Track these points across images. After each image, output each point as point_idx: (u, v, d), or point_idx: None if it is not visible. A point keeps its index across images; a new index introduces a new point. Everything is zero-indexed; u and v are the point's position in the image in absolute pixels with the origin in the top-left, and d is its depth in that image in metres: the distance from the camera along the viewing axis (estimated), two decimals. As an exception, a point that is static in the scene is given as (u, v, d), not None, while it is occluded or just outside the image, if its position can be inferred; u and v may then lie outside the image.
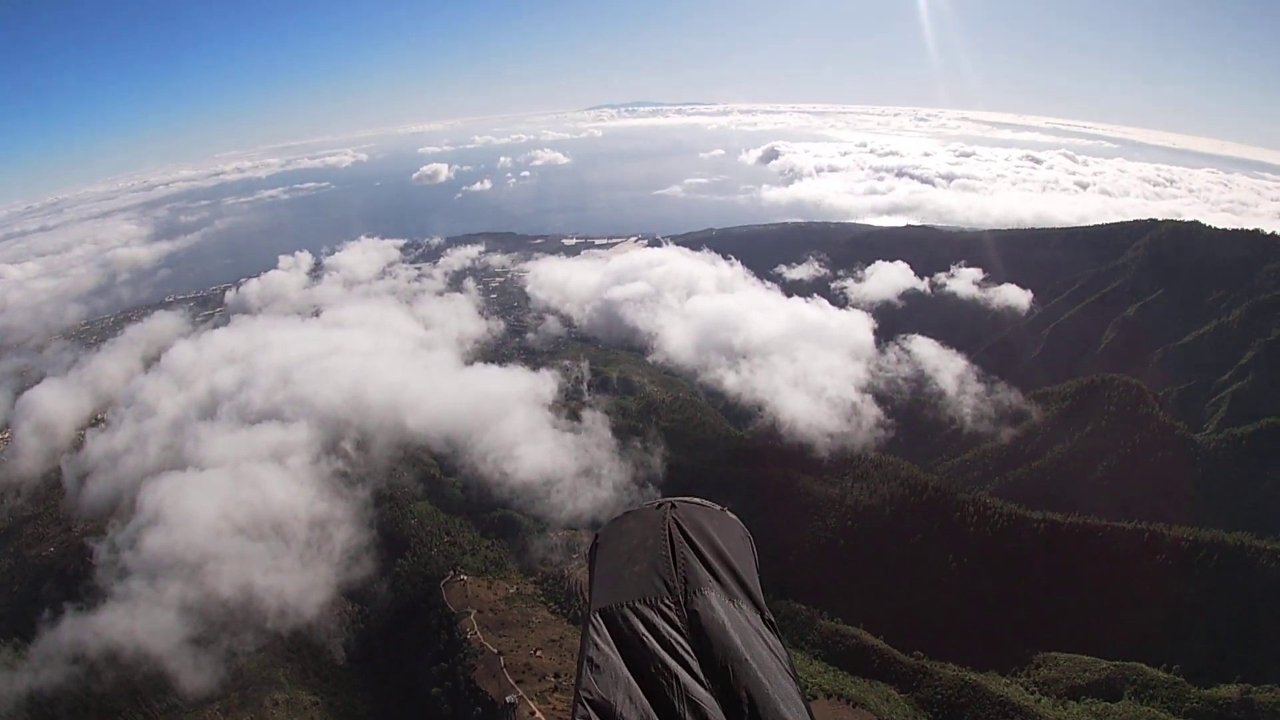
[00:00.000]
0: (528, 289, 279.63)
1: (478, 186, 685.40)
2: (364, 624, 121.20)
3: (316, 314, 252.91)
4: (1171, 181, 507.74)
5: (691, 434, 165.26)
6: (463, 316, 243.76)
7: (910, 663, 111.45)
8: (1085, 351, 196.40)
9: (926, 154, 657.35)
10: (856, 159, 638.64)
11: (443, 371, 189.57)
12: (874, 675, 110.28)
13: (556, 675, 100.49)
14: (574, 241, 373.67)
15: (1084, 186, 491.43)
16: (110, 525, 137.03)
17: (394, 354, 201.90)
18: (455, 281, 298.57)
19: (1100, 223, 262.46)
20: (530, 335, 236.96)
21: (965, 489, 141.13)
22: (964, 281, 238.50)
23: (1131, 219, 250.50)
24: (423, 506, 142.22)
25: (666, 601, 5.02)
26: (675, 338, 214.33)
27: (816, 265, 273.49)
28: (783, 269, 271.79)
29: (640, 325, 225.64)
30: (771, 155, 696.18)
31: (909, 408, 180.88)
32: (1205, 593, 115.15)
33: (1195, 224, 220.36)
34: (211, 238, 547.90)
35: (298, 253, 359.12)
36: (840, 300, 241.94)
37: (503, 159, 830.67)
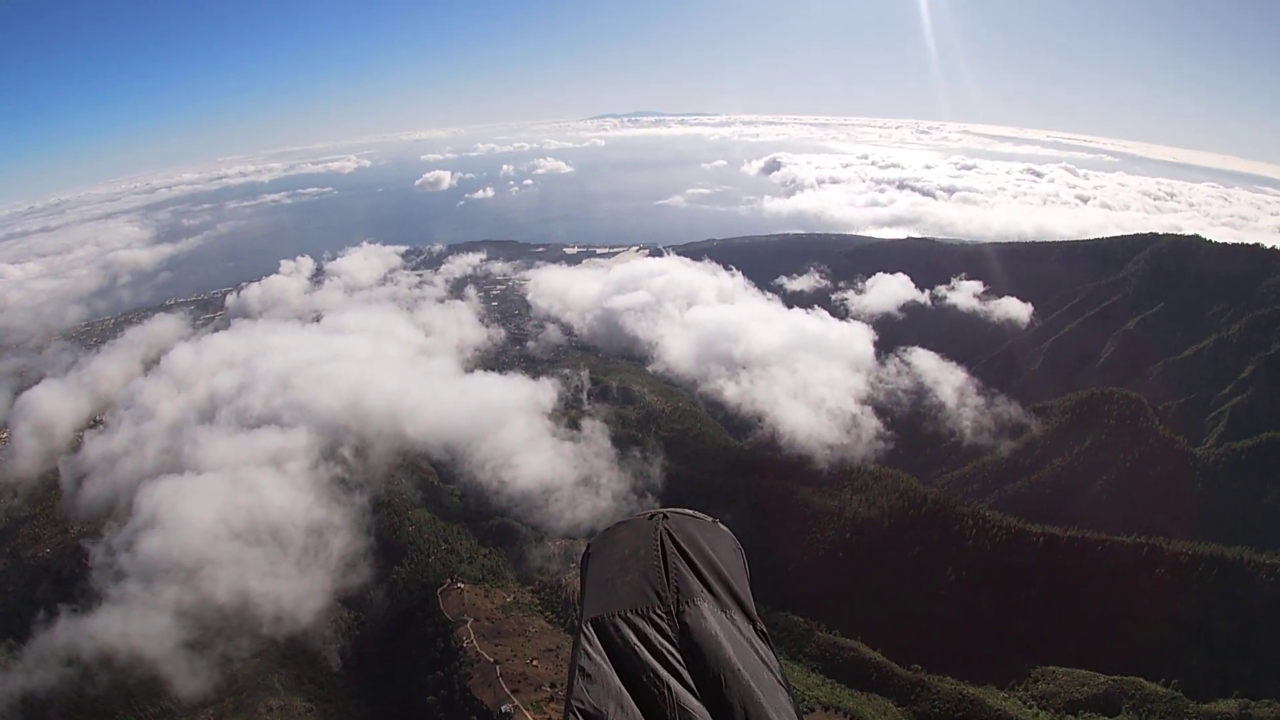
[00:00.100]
0: (529, 297, 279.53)
1: (480, 194, 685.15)
2: (360, 631, 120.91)
3: (317, 319, 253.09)
4: (1172, 195, 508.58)
5: (691, 444, 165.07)
6: (463, 324, 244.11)
7: (908, 676, 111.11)
8: (1085, 365, 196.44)
9: (928, 166, 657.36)
10: (858, 171, 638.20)
11: (443, 379, 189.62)
12: (872, 688, 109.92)
13: (553, 685, 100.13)
14: (575, 250, 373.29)
15: (1085, 200, 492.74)
16: (107, 528, 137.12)
17: (394, 360, 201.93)
18: (456, 289, 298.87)
19: (1101, 236, 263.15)
20: (531, 343, 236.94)
21: (965, 502, 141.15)
22: (964, 294, 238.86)
23: (1132, 233, 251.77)
24: (421, 514, 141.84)
25: (658, 611, 5.00)
26: (675, 348, 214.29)
27: (817, 276, 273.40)
28: (784, 280, 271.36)
29: (641, 335, 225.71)
30: (773, 166, 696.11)
31: (909, 420, 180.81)
32: (1204, 607, 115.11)
33: (1196, 238, 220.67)
34: (213, 241, 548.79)
35: (299, 258, 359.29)
36: (841, 312, 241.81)
37: (505, 167, 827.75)
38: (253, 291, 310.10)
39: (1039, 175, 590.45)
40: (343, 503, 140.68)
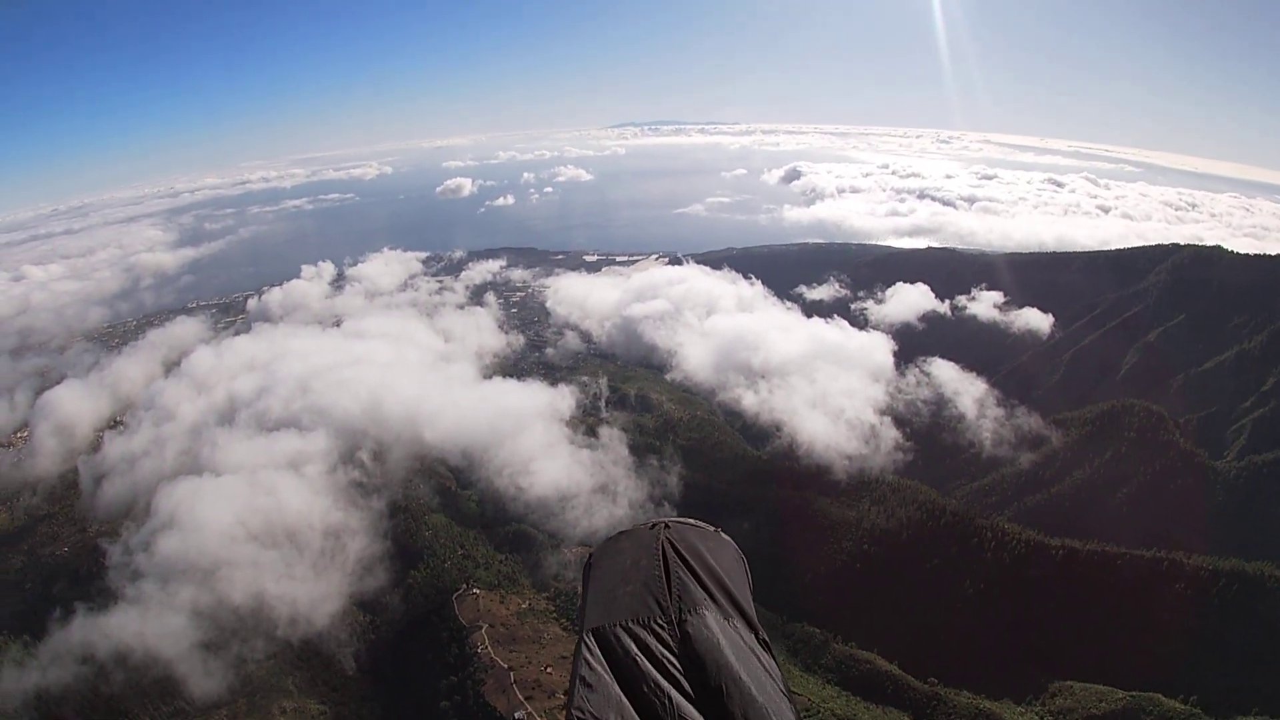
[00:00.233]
0: (548, 304, 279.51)
1: (501, 201, 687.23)
2: (375, 635, 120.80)
3: (337, 324, 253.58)
4: (1194, 206, 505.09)
5: (709, 453, 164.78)
6: (483, 330, 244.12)
7: (924, 689, 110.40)
8: (1106, 376, 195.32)
9: (948, 176, 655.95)
10: (878, 180, 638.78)
11: (461, 384, 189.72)
12: (887, 701, 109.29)
13: (566, 693, 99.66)
14: (595, 258, 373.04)
15: (1106, 210, 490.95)
16: (125, 527, 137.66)
17: (413, 366, 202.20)
18: (476, 295, 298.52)
19: (1122, 247, 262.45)
20: (549, 350, 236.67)
21: (984, 514, 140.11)
22: (985, 304, 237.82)
23: (1153, 243, 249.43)
24: (437, 519, 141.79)
25: (659, 621, 5.02)
26: (694, 356, 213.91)
27: (837, 286, 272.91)
28: (803, 289, 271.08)
29: (659, 343, 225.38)
30: (794, 175, 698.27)
31: (928, 431, 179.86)
32: (1224, 622, 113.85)
33: (1217, 249, 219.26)
34: (235, 245, 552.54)
35: (320, 263, 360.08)
36: (860, 321, 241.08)
37: (526, 175, 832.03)
38: (274, 296, 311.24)
39: (1060, 185, 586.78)
40: (360, 507, 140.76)
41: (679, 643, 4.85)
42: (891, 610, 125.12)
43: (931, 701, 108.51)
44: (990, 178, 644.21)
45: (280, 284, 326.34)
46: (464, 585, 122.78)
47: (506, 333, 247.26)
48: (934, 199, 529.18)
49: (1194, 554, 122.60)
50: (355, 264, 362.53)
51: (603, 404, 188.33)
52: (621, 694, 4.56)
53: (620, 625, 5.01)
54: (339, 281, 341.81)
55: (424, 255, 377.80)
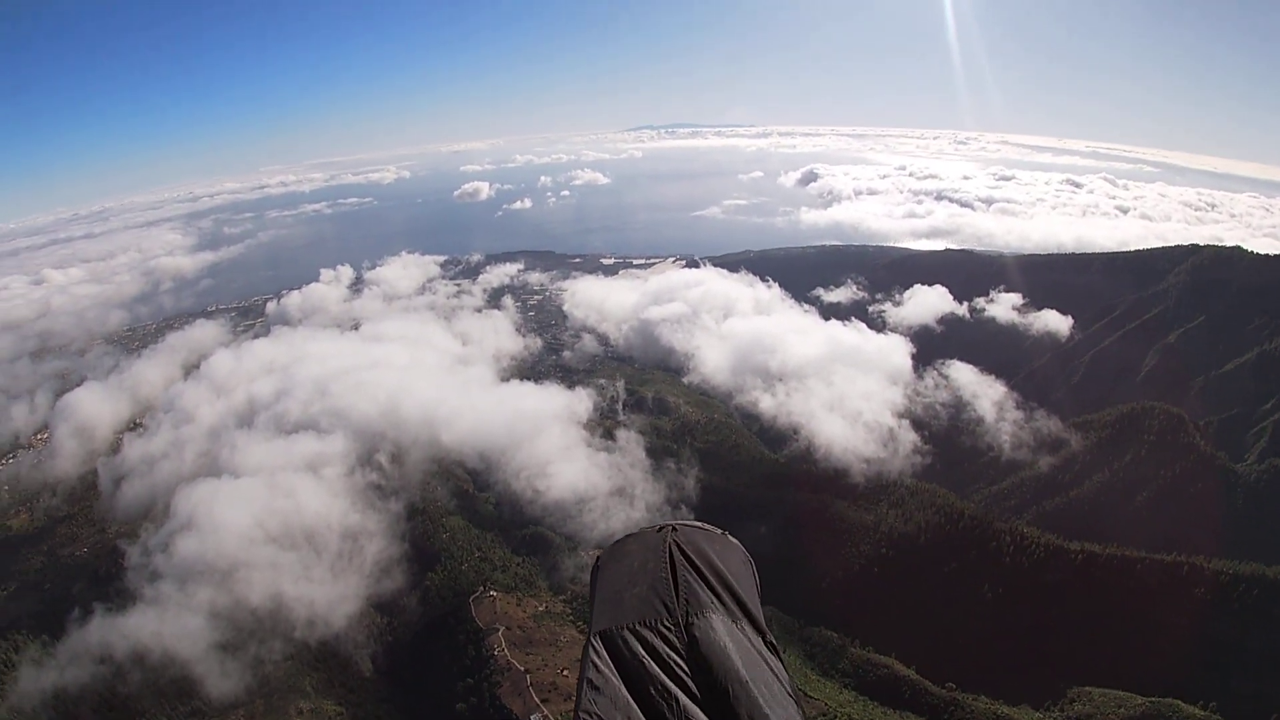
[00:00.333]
0: (565, 307, 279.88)
1: (518, 205, 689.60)
2: (392, 637, 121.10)
3: (356, 327, 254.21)
4: (1213, 206, 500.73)
5: (726, 456, 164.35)
6: (500, 333, 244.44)
7: (942, 694, 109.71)
8: (1125, 379, 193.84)
9: (966, 177, 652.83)
10: (895, 182, 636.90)
11: (479, 387, 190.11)
12: (904, 706, 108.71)
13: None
14: (612, 261, 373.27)
15: (1124, 211, 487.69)
16: (143, 529, 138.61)
17: (431, 369, 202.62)
18: (494, 298, 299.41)
19: (1141, 248, 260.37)
20: (567, 353, 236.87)
21: (1002, 518, 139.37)
22: (1003, 306, 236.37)
23: (1173, 244, 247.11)
24: (455, 521, 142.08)
25: (666, 624, 4.98)
26: (711, 359, 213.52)
27: (854, 288, 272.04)
28: (820, 292, 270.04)
29: (676, 346, 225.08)
30: (810, 177, 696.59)
31: (946, 434, 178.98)
32: (1244, 628, 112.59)
33: (1237, 249, 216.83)
34: (254, 249, 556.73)
35: (339, 266, 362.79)
36: (878, 324, 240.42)
37: (543, 178, 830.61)
38: (293, 299, 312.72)
39: (1078, 186, 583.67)
40: (378, 509, 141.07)
41: (686, 645, 4.82)
42: (909, 614, 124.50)
43: (949, 707, 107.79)
44: (1008, 179, 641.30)
45: (299, 287, 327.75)
46: (481, 587, 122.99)
47: (524, 336, 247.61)
48: (952, 200, 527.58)
49: (1214, 558, 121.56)
50: (373, 267, 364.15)
51: (620, 407, 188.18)
52: (629, 696, 4.55)
53: (627, 628, 4.99)
54: (357, 285, 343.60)
55: (442, 259, 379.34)
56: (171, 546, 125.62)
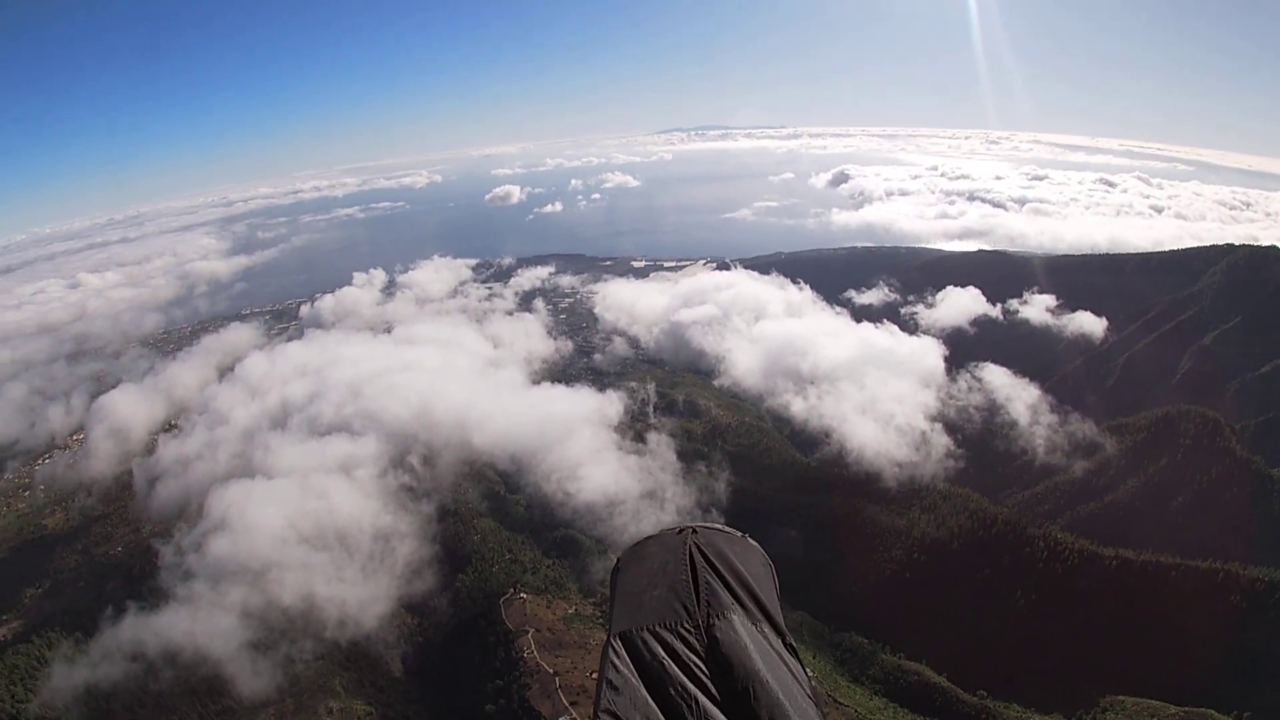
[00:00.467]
0: (596, 310, 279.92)
1: (549, 208, 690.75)
2: (422, 637, 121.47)
3: (388, 330, 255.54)
4: (1248, 205, 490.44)
5: (757, 459, 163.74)
6: (531, 336, 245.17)
7: (973, 702, 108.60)
8: (1161, 381, 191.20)
9: (998, 177, 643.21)
10: (927, 182, 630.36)
11: (510, 390, 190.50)
12: (935, 714, 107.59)
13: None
14: (643, 263, 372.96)
15: (1159, 210, 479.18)
16: (177, 528, 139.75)
17: (463, 371, 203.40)
18: (525, 301, 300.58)
19: (1176, 248, 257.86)
20: (598, 356, 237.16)
21: (1036, 523, 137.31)
22: (1037, 308, 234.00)
23: (1208, 244, 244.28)
24: (486, 523, 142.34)
25: (686, 625, 5.06)
26: (742, 361, 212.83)
27: (886, 290, 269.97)
28: (852, 294, 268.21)
29: (707, 348, 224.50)
30: (841, 179, 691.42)
31: (979, 437, 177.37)
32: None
33: (1273, 248, 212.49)
34: (288, 253, 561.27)
35: (372, 270, 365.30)
36: (910, 326, 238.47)
37: (574, 181, 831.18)
38: (326, 302, 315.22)
39: (1112, 185, 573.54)
40: (409, 510, 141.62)
41: (706, 647, 4.86)
42: (941, 621, 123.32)
43: (980, 715, 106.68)
44: (1041, 178, 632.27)
45: (332, 291, 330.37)
46: (511, 589, 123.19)
47: (555, 339, 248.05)
48: (984, 201, 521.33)
49: (1250, 565, 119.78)
50: (406, 271, 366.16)
51: (650, 410, 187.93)
52: (648, 696, 4.58)
53: (647, 629, 5.06)
54: (390, 288, 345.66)
55: (473, 262, 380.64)
56: (205, 546, 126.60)
